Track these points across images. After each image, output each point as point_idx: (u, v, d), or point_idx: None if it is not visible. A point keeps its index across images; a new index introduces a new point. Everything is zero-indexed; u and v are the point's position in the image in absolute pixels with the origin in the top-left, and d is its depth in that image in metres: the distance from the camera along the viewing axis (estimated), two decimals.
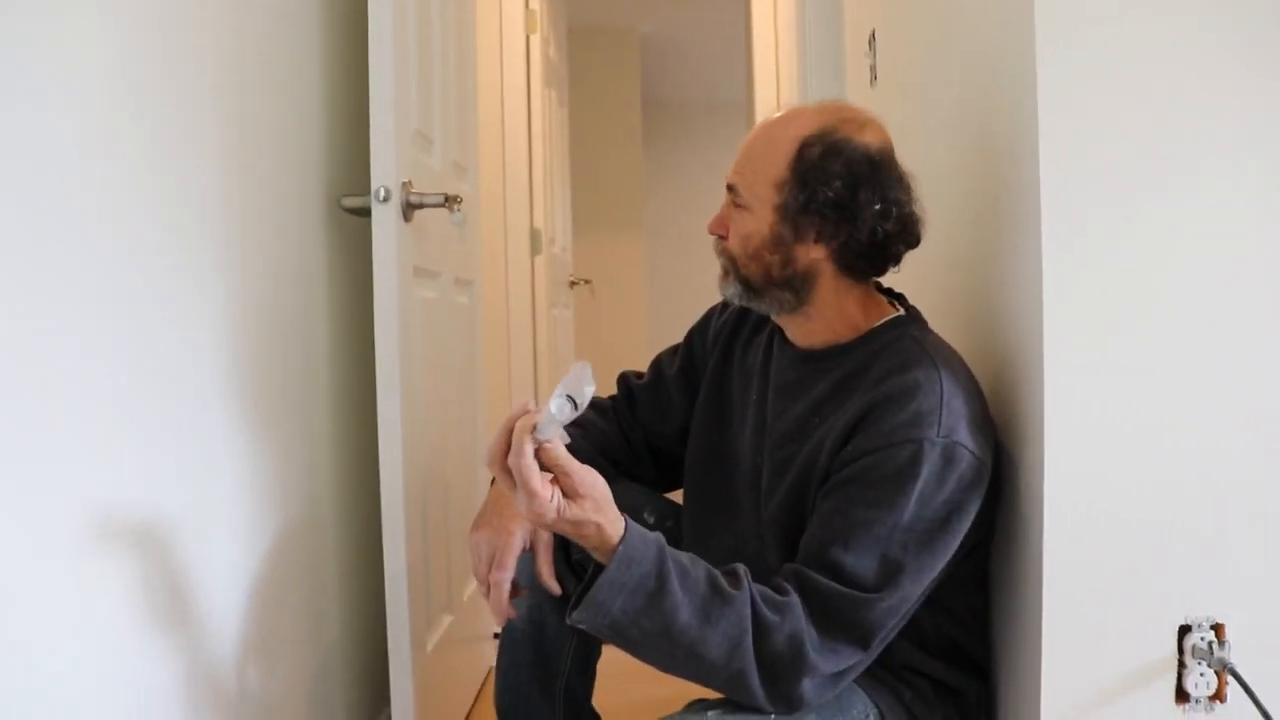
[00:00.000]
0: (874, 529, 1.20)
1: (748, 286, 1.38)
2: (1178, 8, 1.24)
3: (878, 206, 1.29)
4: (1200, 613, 1.26)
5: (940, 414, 1.23)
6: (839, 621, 1.19)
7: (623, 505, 1.54)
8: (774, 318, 1.43)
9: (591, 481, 1.12)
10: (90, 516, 1.10)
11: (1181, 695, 1.26)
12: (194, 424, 1.33)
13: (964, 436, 1.24)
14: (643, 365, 1.74)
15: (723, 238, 1.40)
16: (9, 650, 0.97)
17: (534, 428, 1.07)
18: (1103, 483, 1.26)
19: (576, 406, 1.06)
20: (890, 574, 1.20)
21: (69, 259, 1.06)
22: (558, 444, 1.09)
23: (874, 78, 2.18)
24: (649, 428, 1.64)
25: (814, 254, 1.32)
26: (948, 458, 1.22)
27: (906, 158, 1.36)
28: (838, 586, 1.19)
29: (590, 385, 1.07)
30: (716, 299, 1.83)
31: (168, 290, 1.26)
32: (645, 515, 1.57)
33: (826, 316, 1.37)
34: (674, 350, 1.67)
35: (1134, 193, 1.24)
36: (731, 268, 1.39)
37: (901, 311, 1.39)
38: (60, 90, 1.05)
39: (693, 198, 7.37)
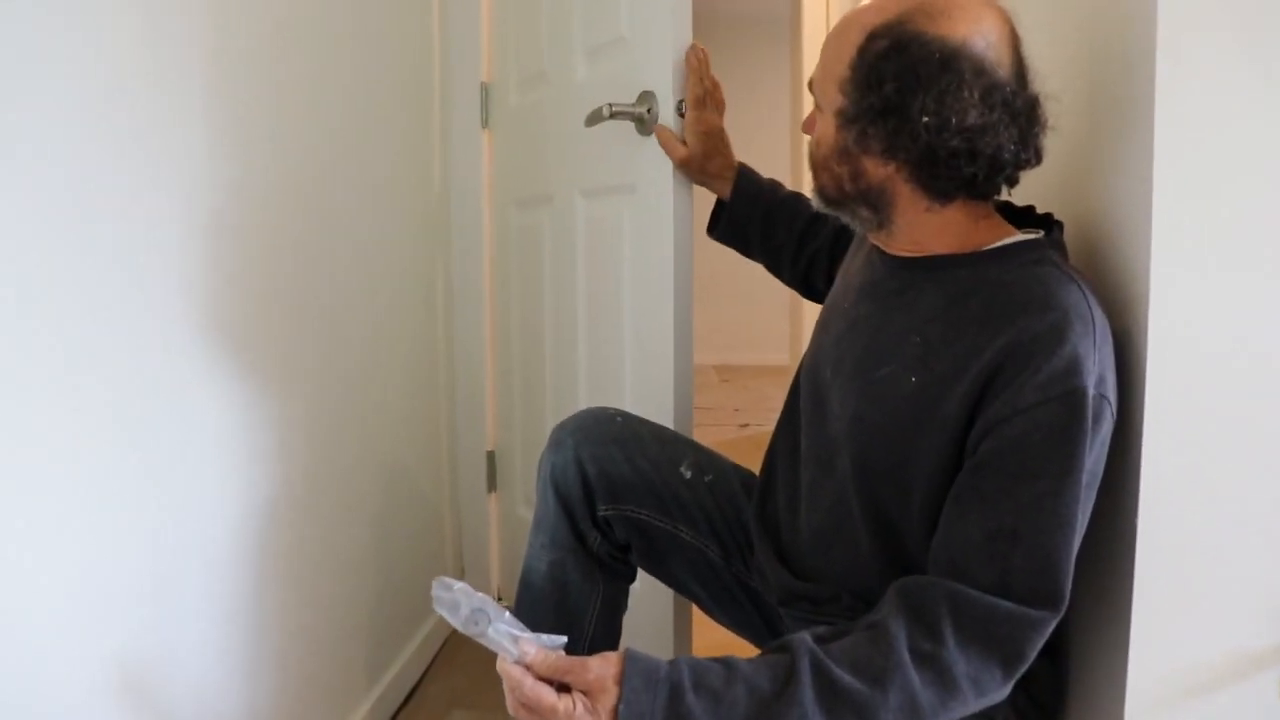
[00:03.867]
0: (1044, 507, 1.02)
1: (824, 197, 1.21)
2: None
3: (926, 119, 1.07)
4: None
5: (1094, 358, 1.03)
6: (998, 640, 1.01)
7: (665, 456, 1.42)
8: (870, 242, 1.26)
9: (589, 666, 1.00)
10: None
11: None
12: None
13: (1111, 392, 1.06)
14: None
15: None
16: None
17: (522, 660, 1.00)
18: (1210, 440, 1.10)
19: (489, 615, 1.00)
20: (1061, 579, 1.02)
21: None
22: (538, 652, 1.00)
23: None
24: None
25: (883, 170, 1.14)
26: (1097, 415, 1.03)
27: None
28: (1005, 605, 1.01)
29: (459, 586, 1.00)
30: None
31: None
32: (683, 470, 1.43)
33: (919, 236, 1.18)
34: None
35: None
36: (814, 178, 1.22)
37: (1040, 235, 1.17)
38: None
39: (738, 110, 7.15)
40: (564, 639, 1.02)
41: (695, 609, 1.71)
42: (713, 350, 7.37)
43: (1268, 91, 1.07)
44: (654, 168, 1.71)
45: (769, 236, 1.65)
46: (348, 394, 1.73)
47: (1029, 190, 1.26)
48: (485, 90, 2.38)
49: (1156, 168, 1.07)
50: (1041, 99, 1.11)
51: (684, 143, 1.64)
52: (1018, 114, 1.09)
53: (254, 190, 1.38)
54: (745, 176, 1.65)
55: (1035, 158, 1.13)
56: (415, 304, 2.16)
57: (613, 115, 1.71)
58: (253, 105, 1.37)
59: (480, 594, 0.99)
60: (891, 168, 1.13)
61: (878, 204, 1.16)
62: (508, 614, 1.00)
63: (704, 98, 1.62)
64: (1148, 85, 1.08)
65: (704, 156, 1.63)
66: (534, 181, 2.24)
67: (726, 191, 1.66)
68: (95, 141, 1.05)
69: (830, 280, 1.60)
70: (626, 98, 1.73)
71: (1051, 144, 1.16)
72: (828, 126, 1.17)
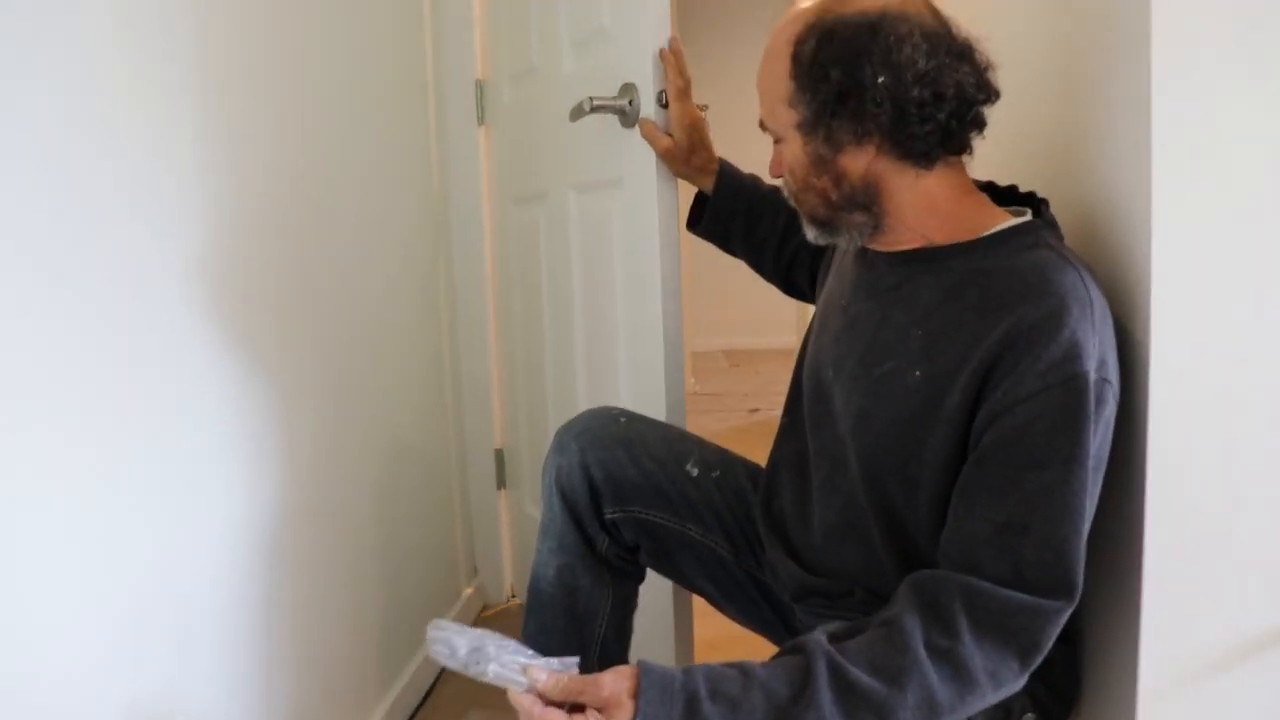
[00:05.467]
0: (1052, 496, 1.01)
1: (817, 222, 1.21)
2: None
3: (882, 79, 1.08)
4: None
5: (1094, 341, 1.03)
6: (1014, 633, 1.01)
7: (671, 455, 1.42)
8: (863, 245, 1.24)
9: (602, 683, 0.98)
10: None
11: None
12: None
13: (1112, 374, 1.05)
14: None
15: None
16: None
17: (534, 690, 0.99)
18: (1217, 417, 1.08)
19: (489, 652, 0.99)
20: (1073, 568, 1.02)
21: None
22: (549, 677, 0.99)
23: None
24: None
25: (860, 159, 1.14)
26: (1100, 399, 1.03)
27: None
28: (1019, 598, 1.01)
29: (453, 626, 1.01)
30: None
31: None
32: (689, 468, 1.43)
33: (908, 223, 1.17)
34: None
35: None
36: (800, 208, 1.22)
37: (1029, 216, 1.17)
38: None
39: (732, 91, 7.10)
40: (576, 659, 1.01)
41: (698, 602, 1.71)
42: (721, 334, 7.36)
43: (1266, 65, 1.05)
44: (639, 161, 1.69)
45: (752, 231, 1.63)
46: (352, 394, 1.73)
47: (1027, 178, 1.25)
48: (480, 87, 2.37)
49: (1154, 147, 1.06)
50: (974, 41, 1.14)
51: (669, 135, 1.63)
52: (962, 53, 1.11)
53: (249, 195, 1.37)
54: (727, 171, 1.64)
55: (994, 93, 1.14)
56: (418, 303, 2.15)
57: (593, 109, 1.69)
58: (243, 107, 1.36)
59: (477, 629, 0.99)
60: (869, 150, 1.13)
61: (868, 200, 1.16)
62: (513, 643, 0.99)
63: (685, 89, 1.61)
64: (1143, 63, 1.06)
65: (689, 149, 1.62)
66: (529, 177, 2.23)
67: (709, 185, 1.65)
68: (92, 152, 1.04)
69: (812, 276, 1.60)
70: (609, 90, 1.71)
71: (1046, 128, 1.15)
72: (794, 148, 1.18)
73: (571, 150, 1.97)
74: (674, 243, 1.70)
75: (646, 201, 1.69)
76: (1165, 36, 1.05)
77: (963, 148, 1.15)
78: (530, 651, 1.00)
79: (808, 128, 1.15)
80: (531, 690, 0.97)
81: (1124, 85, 1.12)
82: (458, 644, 0.97)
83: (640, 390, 1.76)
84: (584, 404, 2.01)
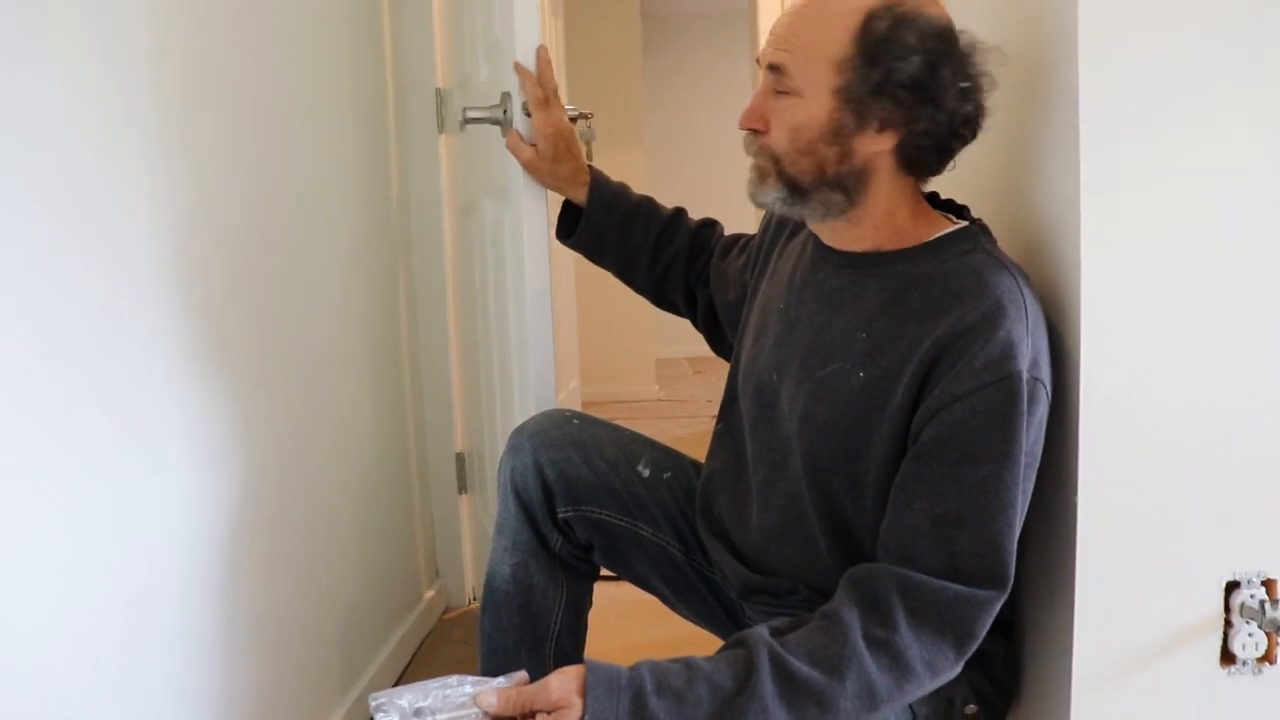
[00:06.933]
0: (987, 490, 1.06)
1: (794, 188, 1.17)
2: None
3: (963, 85, 1.12)
4: (1249, 567, 1.14)
5: (1028, 342, 1.07)
6: (949, 622, 1.05)
7: (622, 456, 1.45)
8: (812, 224, 1.25)
9: (550, 686, 1.01)
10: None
11: (1227, 657, 1.16)
12: None
13: (1045, 374, 1.09)
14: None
15: (759, 132, 1.19)
16: None
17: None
18: (1144, 420, 1.13)
19: (430, 705, 1.00)
20: (1006, 559, 1.06)
21: None
22: (499, 697, 1.01)
23: None
24: (701, 274, 1.61)
25: (876, 146, 1.14)
26: (1032, 397, 1.07)
27: None
28: (954, 588, 1.05)
29: (385, 694, 1.00)
30: (723, 212, 1.68)
31: None
32: (640, 468, 1.45)
33: (874, 222, 1.19)
34: (748, 241, 1.54)
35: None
36: (773, 167, 1.18)
37: (965, 223, 1.21)
38: None
39: (695, 110, 7.17)
40: (523, 674, 1.03)
41: (652, 604, 1.74)
42: (686, 342, 7.36)
43: (1188, 87, 1.10)
44: (515, 171, 1.67)
45: (625, 242, 1.61)
46: (311, 401, 1.74)
47: (970, 190, 1.29)
48: (440, 95, 2.40)
49: (1083, 161, 1.11)
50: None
51: (534, 145, 1.61)
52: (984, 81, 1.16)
53: (206, 201, 1.38)
54: (599, 181, 1.62)
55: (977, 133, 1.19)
56: (377, 309, 2.16)
57: (467, 120, 1.68)
58: (201, 112, 1.37)
59: (414, 685, 1.00)
60: (886, 141, 1.14)
61: (854, 187, 1.16)
62: (456, 677, 1.01)
63: (546, 99, 1.58)
64: (1071, 84, 1.11)
65: (553, 159, 1.60)
66: (469, 185, 2.28)
67: (579, 196, 1.63)
68: (46, 161, 1.04)
69: (687, 290, 1.62)
70: (496, 99, 1.69)
71: (989, 145, 1.20)
72: (814, 109, 1.14)
73: (485, 160, 1.99)
74: (542, 252, 1.68)
75: (515, 211, 1.67)
76: (1091, 66, 1.10)
77: (939, 172, 1.20)
78: (473, 678, 1.01)
79: (849, 96, 1.13)
80: (487, 713, 0.99)
81: (1055, 111, 1.16)
82: (402, 707, 0.98)
83: (530, 407, 1.72)
84: (500, 413, 2.03)
